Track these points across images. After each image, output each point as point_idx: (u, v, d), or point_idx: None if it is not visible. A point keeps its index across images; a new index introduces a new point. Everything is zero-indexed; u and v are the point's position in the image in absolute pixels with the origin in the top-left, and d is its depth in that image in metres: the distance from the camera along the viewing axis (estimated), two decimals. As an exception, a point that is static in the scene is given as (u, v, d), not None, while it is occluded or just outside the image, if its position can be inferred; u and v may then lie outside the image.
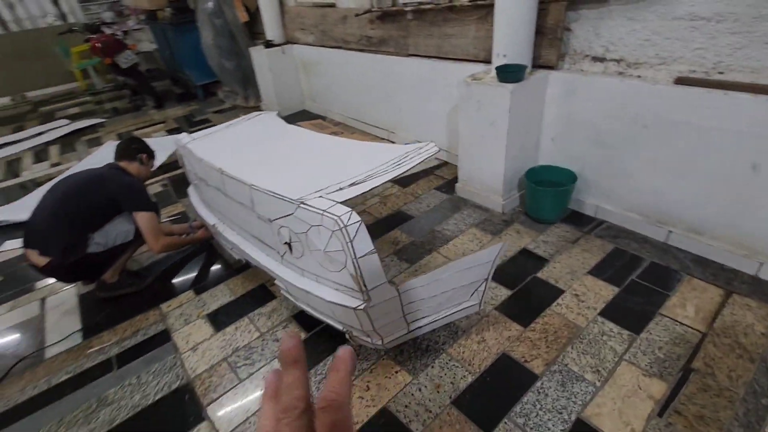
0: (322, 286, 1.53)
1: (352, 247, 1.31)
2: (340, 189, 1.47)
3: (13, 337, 1.96)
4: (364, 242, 1.33)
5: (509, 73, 2.09)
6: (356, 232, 1.31)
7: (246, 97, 4.98)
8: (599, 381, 1.44)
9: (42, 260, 1.87)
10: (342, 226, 1.29)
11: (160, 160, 3.69)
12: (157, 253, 2.14)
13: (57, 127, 5.02)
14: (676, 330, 1.59)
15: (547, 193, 2.19)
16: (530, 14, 2.05)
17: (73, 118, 5.39)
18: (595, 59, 2.08)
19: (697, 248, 1.94)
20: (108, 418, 1.52)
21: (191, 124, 4.64)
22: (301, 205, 1.40)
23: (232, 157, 1.85)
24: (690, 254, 1.95)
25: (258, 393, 1.54)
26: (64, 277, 2.05)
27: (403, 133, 3.38)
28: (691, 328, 1.59)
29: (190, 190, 2.37)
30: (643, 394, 1.38)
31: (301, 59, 4.31)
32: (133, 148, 2.23)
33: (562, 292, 1.83)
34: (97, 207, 1.96)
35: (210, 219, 2.09)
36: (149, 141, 4.13)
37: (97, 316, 2.01)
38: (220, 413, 1.48)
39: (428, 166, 3.06)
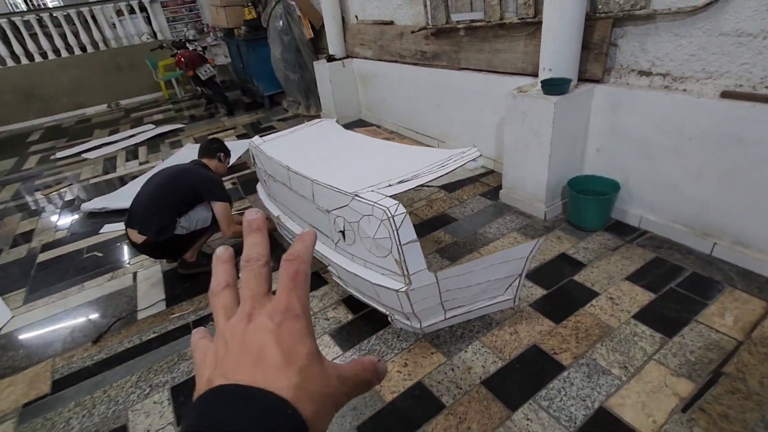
0: (370, 271, 1.73)
1: (398, 234, 1.51)
2: (390, 185, 1.68)
3: (113, 301, 2.35)
4: (408, 231, 1.52)
5: (553, 86, 2.20)
6: (402, 222, 1.50)
7: (308, 106, 5.39)
8: (625, 376, 1.52)
9: (140, 238, 2.24)
10: (390, 216, 1.50)
11: (230, 161, 4.15)
12: (228, 237, 2.45)
13: (145, 131, 5.71)
14: (711, 337, 1.62)
15: (589, 201, 2.26)
16: (576, 31, 2.16)
17: (158, 123, 6.09)
18: (641, 73, 2.14)
19: (743, 261, 1.93)
20: (186, 369, 1.81)
21: (258, 130, 5.09)
22: (355, 198, 1.62)
23: (297, 156, 2.12)
24: (735, 267, 1.94)
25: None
26: (154, 253, 2.42)
27: (452, 142, 3.55)
28: (728, 336, 1.61)
29: (259, 186, 2.69)
30: (669, 391, 1.44)
31: (359, 72, 4.62)
32: (213, 147, 2.58)
33: (597, 294, 1.90)
34: (183, 196, 2.30)
35: (275, 211, 2.38)
36: (222, 144, 4.64)
37: (177, 289, 2.35)
38: (278, 374, 1.72)
39: (475, 174, 3.19)
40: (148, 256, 2.57)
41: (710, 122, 1.87)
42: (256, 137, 2.50)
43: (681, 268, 1.99)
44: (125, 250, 2.83)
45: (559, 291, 1.96)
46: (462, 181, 3.12)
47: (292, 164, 2.00)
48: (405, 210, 1.50)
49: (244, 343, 0.27)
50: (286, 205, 2.24)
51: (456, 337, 1.79)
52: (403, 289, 1.58)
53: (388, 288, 1.63)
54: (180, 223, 2.29)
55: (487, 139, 3.18)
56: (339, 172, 1.89)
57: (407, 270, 1.55)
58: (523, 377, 1.57)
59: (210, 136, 5.08)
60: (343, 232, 1.76)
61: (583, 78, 2.33)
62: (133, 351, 1.96)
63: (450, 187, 3.05)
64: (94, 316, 2.24)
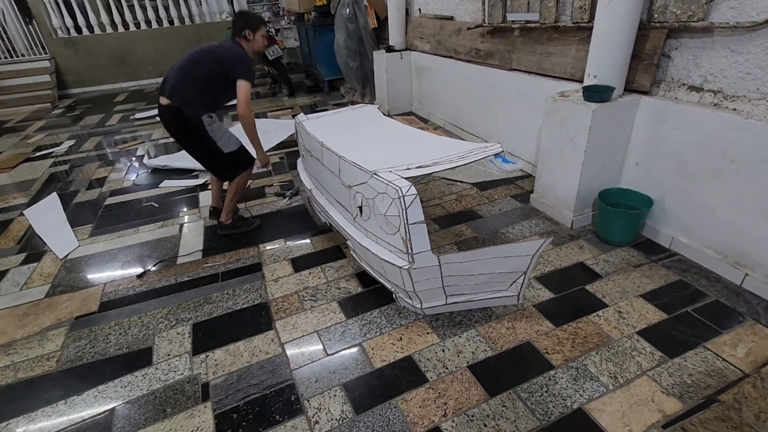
0: (380, 247, 1.84)
1: (406, 214, 1.60)
2: (408, 168, 1.77)
3: (159, 245, 2.64)
4: (417, 212, 1.61)
5: (594, 93, 2.17)
6: (411, 202, 1.59)
7: (363, 94, 5.55)
8: (613, 385, 1.51)
9: (165, 101, 2.30)
10: (401, 195, 1.59)
11: (279, 138, 4.41)
12: (242, 115, 2.33)
13: (213, 102, 6.16)
14: (715, 364, 1.56)
15: (617, 215, 2.21)
16: (627, 39, 2.11)
17: (226, 96, 6.54)
18: (692, 88, 2.06)
19: (774, 297, 1.82)
20: (208, 311, 2.03)
21: (313, 112, 5.34)
22: (374, 176, 1.73)
23: (333, 135, 2.26)
24: (765, 301, 1.83)
25: (315, 321, 1.91)
26: (174, 128, 2.40)
27: (496, 141, 3.54)
28: (734, 366, 1.55)
29: (299, 161, 2.88)
30: (654, 407, 1.42)
31: (415, 65, 4.70)
32: (238, 25, 2.39)
33: (605, 306, 1.88)
34: (212, 70, 2.29)
35: (308, 184, 2.54)
36: (277, 122, 4.93)
37: (213, 243, 2.60)
38: (283, 327, 1.88)
39: (512, 176, 3.18)
40: (167, 131, 2.51)
41: (756, 146, 1.77)
42: (301, 114, 2.67)
43: (704, 294, 1.90)
44: (178, 204, 3.15)
45: (568, 297, 1.95)
46: (497, 181, 3.12)
47: (326, 141, 2.14)
48: (416, 192, 1.59)
49: None
50: (318, 179, 2.40)
51: (454, 323, 1.86)
52: (406, 267, 1.68)
53: (393, 264, 1.73)
54: (206, 104, 2.32)
55: (527, 142, 3.15)
56: (367, 152, 2.00)
57: (411, 249, 1.64)
58: (510, 369, 1.61)
59: (269, 114, 5.41)
60: (360, 208, 1.88)
61: (630, 88, 2.27)
62: (169, 289, 2.21)
63: (483, 186, 3.07)
64: (142, 255, 2.55)
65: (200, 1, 8.29)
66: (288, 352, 1.76)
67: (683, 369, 1.55)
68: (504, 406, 1.47)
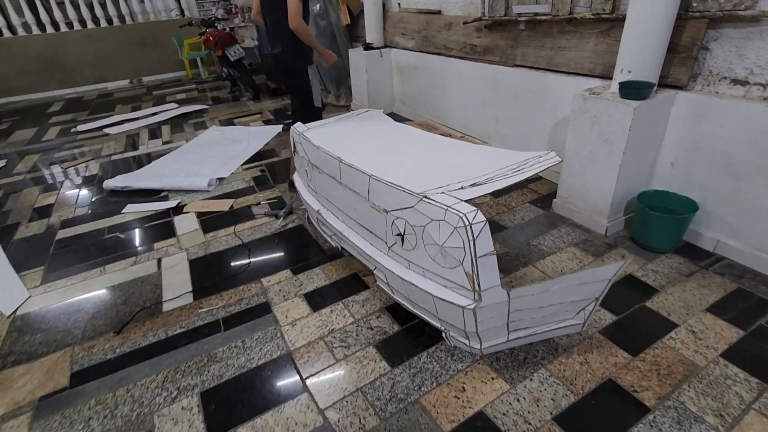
0: (429, 281, 1.55)
1: (474, 245, 1.32)
2: (462, 188, 1.49)
3: (136, 288, 2.19)
4: (486, 242, 1.33)
5: (634, 90, 1.99)
6: (480, 231, 1.32)
7: (338, 95, 5.20)
8: (723, 426, 1.32)
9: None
10: (467, 223, 1.31)
11: (255, 147, 3.98)
12: (293, 27, 2.46)
13: (168, 110, 5.56)
14: (817, 387, 1.42)
15: (662, 220, 2.05)
16: (665, 30, 1.94)
17: (181, 102, 5.94)
18: (735, 82, 1.93)
19: (842, 301, 1.72)
20: (217, 373, 1.65)
21: (286, 117, 4.92)
22: (424, 199, 1.44)
23: (348, 147, 1.93)
24: (833, 306, 1.73)
25: (354, 375, 1.59)
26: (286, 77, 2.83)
27: (497, 143, 3.34)
28: (837, 387, 1.41)
29: (296, 176, 2.52)
30: (778, 450, 1.25)
31: (397, 63, 4.42)
32: None
33: (675, 325, 1.70)
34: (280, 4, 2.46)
35: (314, 205, 2.20)
36: (249, 129, 4.47)
37: (205, 281, 2.19)
38: (319, 388, 1.55)
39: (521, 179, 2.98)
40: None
41: (821, 142, 1.66)
42: (299, 124, 2.31)
43: (768, 302, 1.78)
44: (149, 233, 2.68)
45: (632, 318, 1.76)
46: (509, 186, 2.91)
47: (344, 156, 1.82)
48: (484, 218, 1.31)
49: None
50: (330, 200, 2.06)
51: (518, 361, 1.61)
52: (471, 306, 1.40)
53: (452, 303, 1.44)
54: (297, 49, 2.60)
55: (537, 142, 2.97)
56: (397, 167, 1.70)
57: (479, 285, 1.37)
58: (601, 417, 1.38)
59: (235, 120, 4.92)
60: (402, 236, 1.58)
61: (664, 83, 2.12)
62: (159, 346, 1.80)
63: (496, 192, 2.84)
64: (116, 302, 2.09)
65: (142, -2, 7.52)
66: (331, 420, 1.43)
67: (788, 397, 1.39)
68: (614, 469, 1.23)
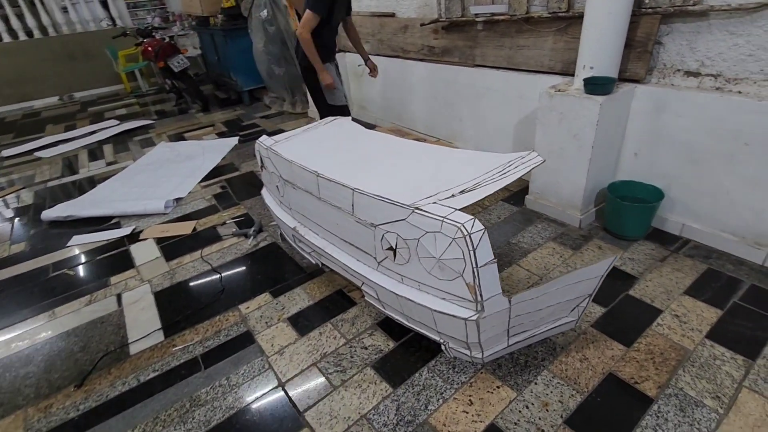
0: (425, 294, 1.49)
1: (475, 255, 1.28)
2: (453, 196, 1.44)
3: (94, 331, 1.96)
4: (486, 251, 1.29)
5: (598, 85, 2.05)
6: (480, 240, 1.28)
7: (293, 103, 5.04)
8: (721, 408, 1.37)
9: None
10: (466, 233, 1.26)
11: (212, 163, 3.76)
12: (297, 34, 2.70)
13: (108, 127, 5.14)
14: (794, 358, 1.51)
15: (633, 209, 2.13)
16: (622, 26, 2.01)
17: (122, 119, 5.52)
18: (689, 74, 2.03)
19: (800, 272, 1.86)
20: (204, 418, 1.49)
21: (240, 128, 4.69)
22: (416, 211, 1.38)
23: (323, 160, 1.83)
24: (793, 278, 1.86)
25: (356, 401, 1.50)
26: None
27: (463, 143, 3.36)
28: (812, 356, 1.51)
29: (265, 192, 2.37)
30: (774, 425, 1.30)
31: (352, 67, 4.33)
32: None
33: (659, 312, 1.76)
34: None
35: (289, 222, 2.08)
36: (202, 144, 4.22)
37: (175, 315, 2.00)
38: (320, 420, 1.44)
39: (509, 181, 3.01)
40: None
41: (772, 127, 1.77)
42: (264, 137, 2.18)
43: (737, 280, 1.89)
44: (103, 266, 2.42)
45: (619, 308, 1.80)
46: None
47: (321, 169, 1.72)
48: (483, 227, 1.27)
49: None
50: (307, 216, 1.95)
51: (520, 366, 1.59)
52: (474, 318, 1.36)
53: (453, 316, 1.39)
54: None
55: (503, 140, 3.01)
56: (380, 178, 1.63)
57: (481, 296, 1.33)
58: (610, 414, 1.39)
59: (185, 135, 4.63)
60: (394, 250, 1.51)
61: (623, 78, 2.20)
62: (131, 396, 1.61)
63: (468, 192, 2.85)
64: (73, 350, 1.86)
65: (65, 7, 6.91)
66: (337, 456, 1.34)
67: (772, 371, 1.47)
68: (631, 466, 1.23)
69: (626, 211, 2.15)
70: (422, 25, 3.21)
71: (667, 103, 2.06)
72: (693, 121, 2.00)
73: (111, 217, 2.93)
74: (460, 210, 1.34)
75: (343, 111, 2.97)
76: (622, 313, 1.77)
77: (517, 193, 2.77)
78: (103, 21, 6.96)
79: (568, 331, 1.70)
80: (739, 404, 1.37)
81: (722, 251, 2.06)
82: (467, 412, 1.43)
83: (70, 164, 4.14)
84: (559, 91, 2.21)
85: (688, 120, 2.02)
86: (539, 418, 1.39)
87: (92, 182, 3.63)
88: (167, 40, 5.59)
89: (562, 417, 1.39)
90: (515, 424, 1.38)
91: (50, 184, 3.72)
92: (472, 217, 1.29)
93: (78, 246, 2.67)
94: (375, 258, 1.62)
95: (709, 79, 1.98)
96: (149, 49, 5.28)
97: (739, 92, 1.88)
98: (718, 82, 1.95)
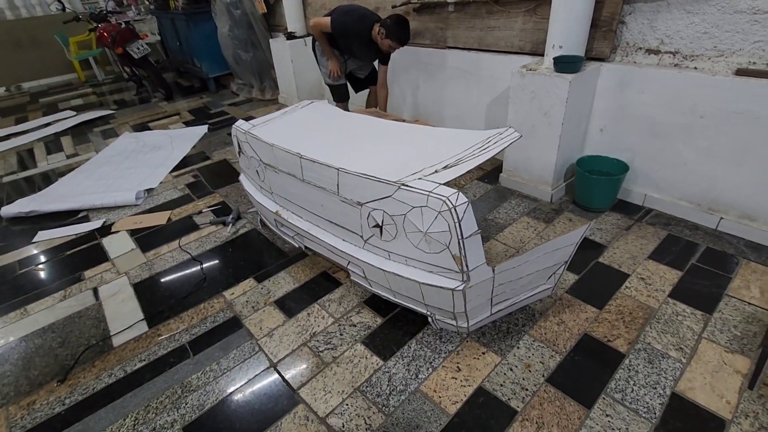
0: (413, 269, 1.54)
1: (460, 227, 1.33)
2: (436, 171, 1.49)
3: (73, 326, 1.91)
4: (471, 222, 1.35)
5: (567, 64, 2.13)
6: (464, 212, 1.33)
7: (262, 89, 4.93)
8: (684, 358, 1.50)
9: None
10: (451, 206, 1.31)
11: (181, 152, 3.66)
12: (310, 24, 2.89)
13: (64, 119, 4.87)
14: (746, 310, 1.66)
15: (600, 182, 2.25)
16: (589, 6, 2.10)
17: (78, 109, 5.24)
18: (649, 51, 2.14)
19: (749, 234, 2.03)
20: (197, 403, 1.50)
21: (208, 116, 4.56)
22: (402, 187, 1.41)
23: (304, 142, 1.83)
24: (743, 240, 2.03)
25: (348, 376, 1.54)
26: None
27: (436, 123, 3.40)
28: (761, 308, 1.66)
29: (243, 178, 2.34)
30: (730, 369, 1.44)
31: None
32: (383, 19, 2.72)
33: (627, 276, 1.89)
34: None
35: (271, 207, 2.07)
36: (169, 133, 4.08)
37: (158, 305, 1.97)
38: (315, 396, 1.48)
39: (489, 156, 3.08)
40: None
41: (724, 100, 1.91)
42: (240, 121, 2.14)
43: (694, 243, 2.04)
44: (75, 261, 2.34)
45: (590, 274, 1.92)
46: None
47: (304, 151, 1.72)
48: (467, 199, 1.32)
49: None
50: (290, 199, 1.95)
51: (502, 332, 1.67)
52: (460, 288, 1.42)
53: (440, 287, 1.45)
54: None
55: (476, 120, 3.08)
56: (363, 158, 1.65)
57: (467, 266, 1.39)
58: (587, 370, 1.49)
59: (150, 124, 4.46)
60: (380, 227, 1.54)
61: (590, 56, 2.29)
62: (119, 386, 1.59)
63: (444, 173, 2.91)
64: (51, 346, 1.81)
65: (7, -9, 6.42)
66: (335, 427, 1.38)
67: (727, 323, 1.61)
68: (607, 415, 1.34)
69: (594, 184, 2.27)
70: (394, 7, 3.20)
71: (631, 79, 2.17)
72: (654, 97, 2.12)
73: (78, 211, 2.82)
74: (444, 184, 1.39)
75: (337, 91, 3.24)
76: (594, 279, 1.89)
77: (491, 171, 2.85)
78: (51, 5, 6.50)
79: (545, 298, 1.80)
80: (700, 354, 1.51)
81: (680, 218, 2.22)
82: (456, 378, 1.50)
83: (25, 158, 3.91)
84: (530, 70, 2.28)
85: (649, 95, 2.14)
86: (523, 379, 1.48)
87: (53, 176, 3.45)
88: (124, 25, 5.32)
89: (543, 376, 1.48)
90: (501, 385, 1.47)
91: (5, 179, 3.51)
92: (457, 190, 1.34)
93: (45, 242, 2.55)
94: (361, 236, 1.66)
95: (668, 56, 2.09)
96: (105, 34, 5.01)
97: (695, 68, 2.01)
98: (676, 59, 2.07)
